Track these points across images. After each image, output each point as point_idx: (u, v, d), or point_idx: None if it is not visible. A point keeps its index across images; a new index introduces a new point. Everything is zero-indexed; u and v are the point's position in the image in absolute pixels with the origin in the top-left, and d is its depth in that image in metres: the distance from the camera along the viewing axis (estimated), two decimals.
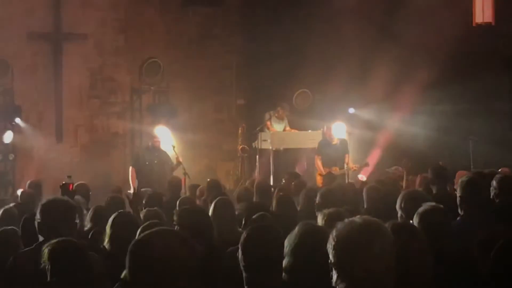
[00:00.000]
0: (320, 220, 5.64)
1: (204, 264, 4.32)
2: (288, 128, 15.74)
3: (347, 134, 14.82)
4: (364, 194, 8.50)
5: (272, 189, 10.63)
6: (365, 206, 8.27)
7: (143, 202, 8.51)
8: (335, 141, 14.68)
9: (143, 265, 3.12)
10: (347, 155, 14.69)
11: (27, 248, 5.43)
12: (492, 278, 3.93)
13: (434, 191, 8.14)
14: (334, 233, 3.09)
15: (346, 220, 3.13)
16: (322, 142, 14.79)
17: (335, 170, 14.25)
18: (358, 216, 3.17)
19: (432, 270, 3.80)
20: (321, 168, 14.48)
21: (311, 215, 6.68)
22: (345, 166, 14.51)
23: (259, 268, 4.27)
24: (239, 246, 4.37)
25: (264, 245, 4.31)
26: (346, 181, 13.68)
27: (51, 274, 4.38)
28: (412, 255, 3.69)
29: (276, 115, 15.54)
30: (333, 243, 3.07)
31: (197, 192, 10.43)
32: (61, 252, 4.43)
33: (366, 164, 14.79)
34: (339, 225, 3.11)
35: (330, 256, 3.07)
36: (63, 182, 7.01)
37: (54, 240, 4.51)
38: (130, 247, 3.20)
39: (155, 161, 13.68)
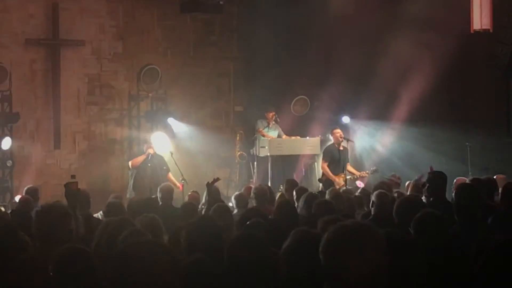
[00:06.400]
0: (319, 228, 5.62)
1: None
2: (284, 136, 15.65)
3: (345, 141, 14.72)
4: (374, 199, 8.40)
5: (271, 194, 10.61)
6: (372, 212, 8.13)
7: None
8: (341, 148, 14.46)
9: (124, 277, 3.05)
10: (348, 163, 14.50)
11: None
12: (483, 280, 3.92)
13: (431, 198, 8.11)
14: (325, 236, 3.08)
15: (337, 223, 3.12)
16: (329, 148, 14.50)
17: (343, 177, 13.92)
18: (350, 220, 3.15)
19: (425, 278, 3.78)
20: (331, 174, 14.10)
21: (310, 222, 6.65)
22: (349, 172, 14.35)
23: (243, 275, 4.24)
24: (225, 252, 4.35)
25: (247, 252, 4.28)
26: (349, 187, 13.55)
27: (57, 280, 4.36)
28: (405, 267, 3.66)
29: (267, 121, 15.46)
30: (324, 246, 3.06)
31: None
32: (69, 258, 4.41)
33: (375, 171, 14.59)
34: (330, 228, 3.10)
35: (322, 259, 3.06)
36: (68, 182, 6.82)
37: (64, 246, 4.48)
38: (112, 259, 3.13)
39: (149, 165, 13.88)
